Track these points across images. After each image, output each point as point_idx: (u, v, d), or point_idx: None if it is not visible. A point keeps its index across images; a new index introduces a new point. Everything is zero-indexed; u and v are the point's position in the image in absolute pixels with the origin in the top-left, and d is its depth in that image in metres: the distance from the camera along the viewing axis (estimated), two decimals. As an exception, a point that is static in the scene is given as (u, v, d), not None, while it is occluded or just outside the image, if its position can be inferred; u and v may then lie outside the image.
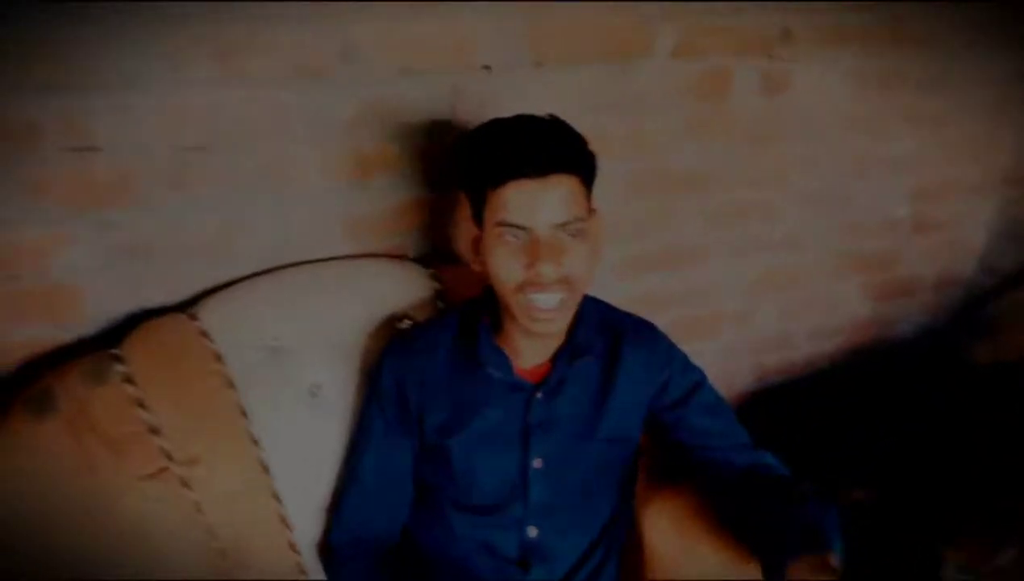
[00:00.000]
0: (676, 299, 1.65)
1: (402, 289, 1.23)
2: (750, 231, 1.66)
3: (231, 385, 1.13)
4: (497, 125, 0.96)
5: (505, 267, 0.93)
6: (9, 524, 0.98)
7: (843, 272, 1.82)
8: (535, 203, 0.90)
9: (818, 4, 1.48)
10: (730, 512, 1.00)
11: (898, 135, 1.71)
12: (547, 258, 0.90)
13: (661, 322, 1.15)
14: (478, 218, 0.98)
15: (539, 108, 0.98)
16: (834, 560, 0.84)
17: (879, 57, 1.59)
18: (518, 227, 0.91)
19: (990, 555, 1.00)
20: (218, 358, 1.14)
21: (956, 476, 1.45)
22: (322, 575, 1.15)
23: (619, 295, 1.19)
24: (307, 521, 1.15)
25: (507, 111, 0.99)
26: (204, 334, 1.15)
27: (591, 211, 0.97)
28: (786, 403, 1.92)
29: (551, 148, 0.91)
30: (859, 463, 1.58)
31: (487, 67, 1.26)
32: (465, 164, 0.99)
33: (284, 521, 1.13)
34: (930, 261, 1.93)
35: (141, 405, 1.09)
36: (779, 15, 1.46)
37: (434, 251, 1.36)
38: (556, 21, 1.28)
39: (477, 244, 1.00)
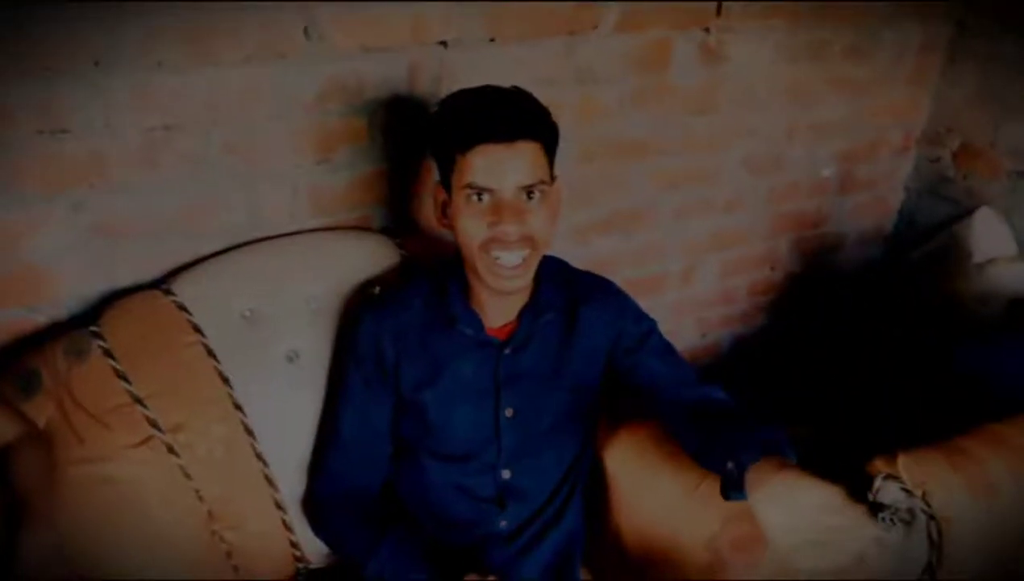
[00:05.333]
0: (625, 260, 1.74)
1: (370, 258, 1.29)
2: (692, 195, 1.76)
3: (210, 354, 1.17)
4: (466, 94, 1.03)
5: (472, 226, 1.00)
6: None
7: (777, 231, 1.95)
8: (501, 167, 0.97)
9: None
10: (688, 440, 1.10)
11: (825, 102, 1.83)
12: (510, 218, 0.98)
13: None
14: (446, 182, 1.04)
15: (494, 82, 1.04)
16: (791, 463, 0.95)
17: (807, 29, 1.70)
18: (485, 189, 0.98)
19: None
20: (196, 329, 1.18)
21: (881, 406, 1.61)
22: (308, 531, 1.21)
23: (573, 257, 1.25)
24: (290, 479, 1.21)
25: (463, 85, 1.05)
26: (180, 307, 1.19)
27: (552, 177, 1.04)
28: (728, 354, 2.06)
29: (517, 115, 0.98)
30: (794, 403, 1.72)
31: (443, 43, 1.32)
32: (436, 130, 1.04)
33: (269, 480, 1.20)
34: (855, 218, 2.08)
35: (123, 378, 1.13)
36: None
37: (396, 221, 1.42)
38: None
39: (445, 207, 1.06)
